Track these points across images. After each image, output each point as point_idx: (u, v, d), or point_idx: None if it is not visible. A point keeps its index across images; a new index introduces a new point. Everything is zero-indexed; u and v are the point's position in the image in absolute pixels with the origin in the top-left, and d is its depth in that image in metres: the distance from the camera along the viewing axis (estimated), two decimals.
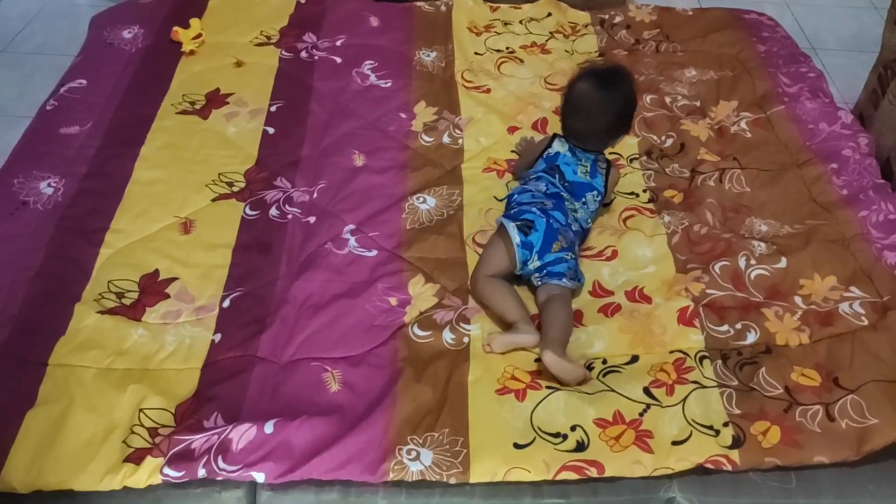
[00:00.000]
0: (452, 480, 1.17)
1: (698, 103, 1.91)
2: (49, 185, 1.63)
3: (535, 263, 1.43)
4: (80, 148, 1.73)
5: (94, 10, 2.22)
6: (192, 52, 2.02)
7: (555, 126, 1.83)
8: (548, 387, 1.28)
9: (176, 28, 2.04)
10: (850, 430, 1.23)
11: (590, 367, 1.33)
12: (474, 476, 1.17)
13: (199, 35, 2.05)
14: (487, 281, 1.42)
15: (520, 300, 1.41)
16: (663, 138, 1.80)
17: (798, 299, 1.44)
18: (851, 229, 1.57)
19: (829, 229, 1.57)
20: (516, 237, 1.44)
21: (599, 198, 1.56)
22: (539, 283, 1.43)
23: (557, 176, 1.55)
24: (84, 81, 1.92)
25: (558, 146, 1.58)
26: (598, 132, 1.55)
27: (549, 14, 2.22)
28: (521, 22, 2.18)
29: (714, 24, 2.17)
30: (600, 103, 1.51)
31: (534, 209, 1.47)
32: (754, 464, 1.21)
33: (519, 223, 1.45)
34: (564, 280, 1.41)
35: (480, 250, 1.50)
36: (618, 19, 2.21)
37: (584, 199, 1.54)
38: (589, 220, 1.56)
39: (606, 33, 2.16)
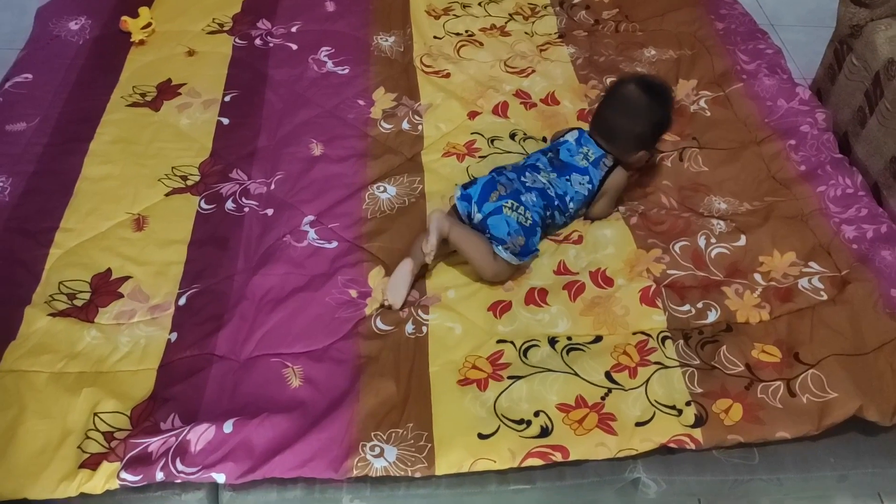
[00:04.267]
0: (417, 475, 1.16)
1: None
2: None
3: (477, 216, 1.44)
4: (27, 145, 1.68)
5: (40, 2, 2.14)
6: (141, 42, 1.96)
7: (515, 109, 1.82)
8: (509, 377, 1.27)
9: (124, 17, 1.98)
10: (810, 404, 1.25)
11: (553, 343, 1.32)
12: (439, 469, 1.17)
13: (149, 24, 1.99)
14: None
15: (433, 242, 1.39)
16: None
17: (758, 276, 1.45)
18: (810, 205, 1.58)
19: (787, 205, 1.58)
20: (457, 191, 1.47)
21: (589, 186, 1.53)
22: None
23: (551, 153, 1.57)
24: (30, 76, 1.85)
25: (570, 136, 1.60)
26: (630, 134, 1.54)
27: None
28: (479, 4, 2.15)
29: (673, 2, 2.16)
30: (645, 108, 1.53)
31: (490, 173, 1.50)
32: (717, 441, 1.22)
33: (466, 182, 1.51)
34: (501, 248, 1.39)
35: None
36: None
37: (567, 177, 1.53)
38: (569, 196, 1.52)
39: (566, 14, 2.14)
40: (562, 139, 1.60)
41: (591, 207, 1.57)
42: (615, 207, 1.59)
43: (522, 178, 1.49)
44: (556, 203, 1.51)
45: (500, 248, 1.40)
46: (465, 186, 1.49)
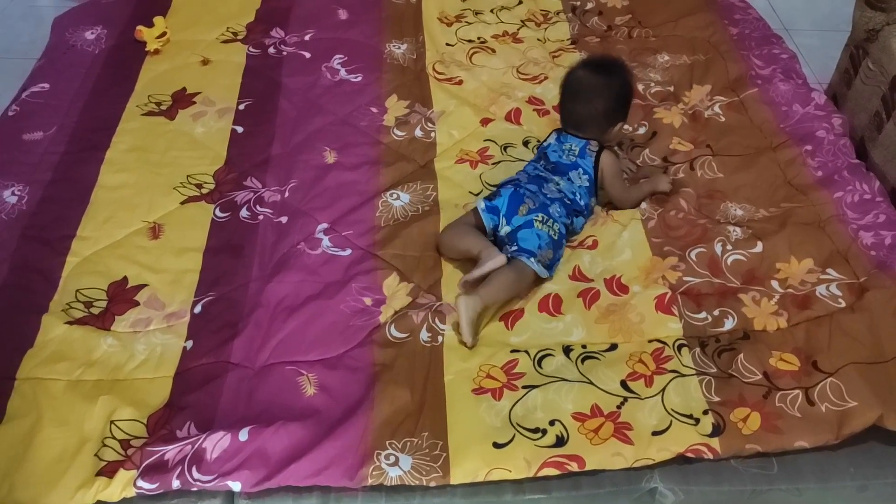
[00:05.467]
0: (432, 484, 1.16)
1: (671, 88, 1.90)
2: (13, 193, 1.60)
3: (505, 228, 1.45)
4: (43, 154, 1.70)
5: (56, 12, 2.16)
6: (156, 52, 1.98)
7: (528, 116, 1.82)
8: (524, 386, 1.27)
9: (140, 27, 2.00)
10: (829, 413, 1.23)
11: (568, 351, 1.32)
12: (454, 479, 1.16)
13: (164, 33, 2.01)
14: (448, 228, 1.47)
15: (479, 234, 1.44)
16: (636, 126, 1.79)
17: (775, 283, 1.44)
18: (827, 211, 1.57)
19: (804, 212, 1.57)
20: (481, 203, 1.47)
21: (587, 177, 1.54)
22: (509, 256, 1.43)
23: (543, 161, 1.58)
24: (47, 85, 1.88)
25: (551, 138, 1.61)
26: (597, 116, 1.56)
27: (521, 2, 2.19)
28: (492, 11, 2.16)
29: (686, 7, 2.16)
30: (600, 87, 1.54)
31: (507, 185, 1.51)
32: (735, 451, 1.21)
33: (487, 195, 1.51)
34: (533, 261, 1.40)
35: None
36: (589, 6, 2.19)
37: (567, 176, 1.54)
38: (578, 195, 1.53)
39: (578, 20, 2.14)
40: (545, 143, 1.62)
41: (610, 196, 1.58)
42: (628, 190, 1.59)
43: (543, 190, 1.50)
44: (572, 208, 1.51)
45: (531, 259, 1.40)
46: (488, 199, 1.49)
